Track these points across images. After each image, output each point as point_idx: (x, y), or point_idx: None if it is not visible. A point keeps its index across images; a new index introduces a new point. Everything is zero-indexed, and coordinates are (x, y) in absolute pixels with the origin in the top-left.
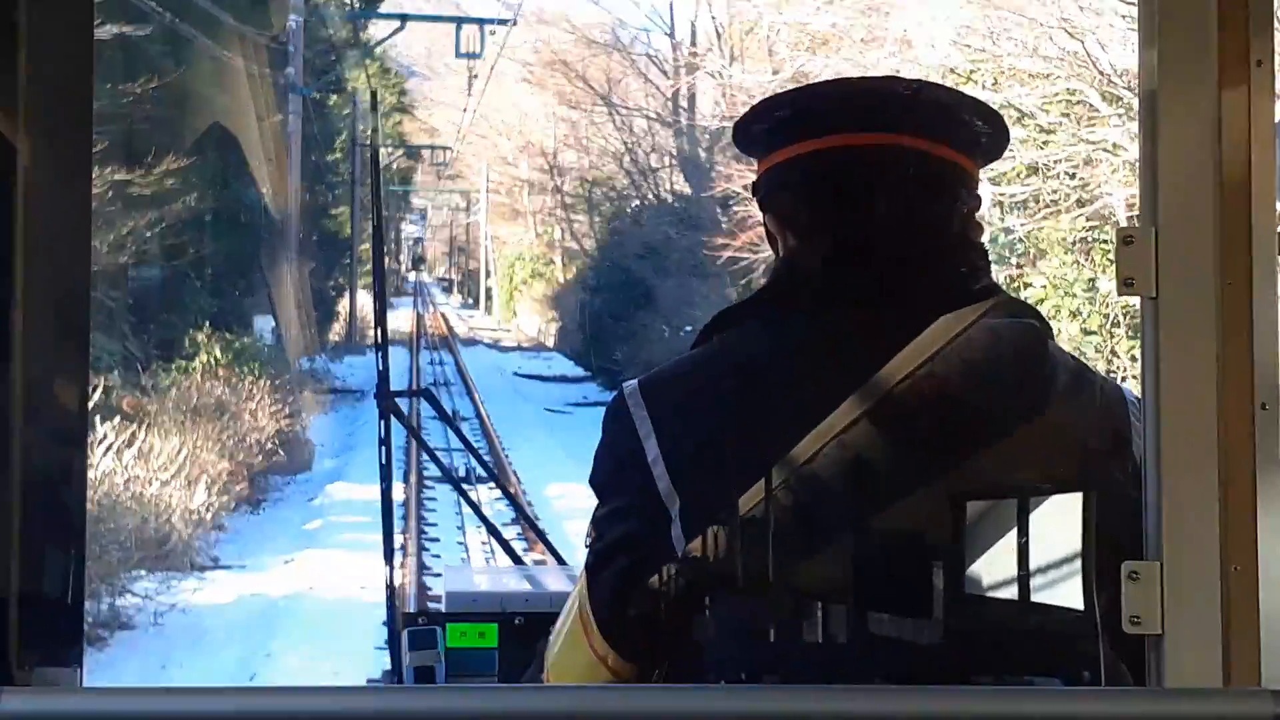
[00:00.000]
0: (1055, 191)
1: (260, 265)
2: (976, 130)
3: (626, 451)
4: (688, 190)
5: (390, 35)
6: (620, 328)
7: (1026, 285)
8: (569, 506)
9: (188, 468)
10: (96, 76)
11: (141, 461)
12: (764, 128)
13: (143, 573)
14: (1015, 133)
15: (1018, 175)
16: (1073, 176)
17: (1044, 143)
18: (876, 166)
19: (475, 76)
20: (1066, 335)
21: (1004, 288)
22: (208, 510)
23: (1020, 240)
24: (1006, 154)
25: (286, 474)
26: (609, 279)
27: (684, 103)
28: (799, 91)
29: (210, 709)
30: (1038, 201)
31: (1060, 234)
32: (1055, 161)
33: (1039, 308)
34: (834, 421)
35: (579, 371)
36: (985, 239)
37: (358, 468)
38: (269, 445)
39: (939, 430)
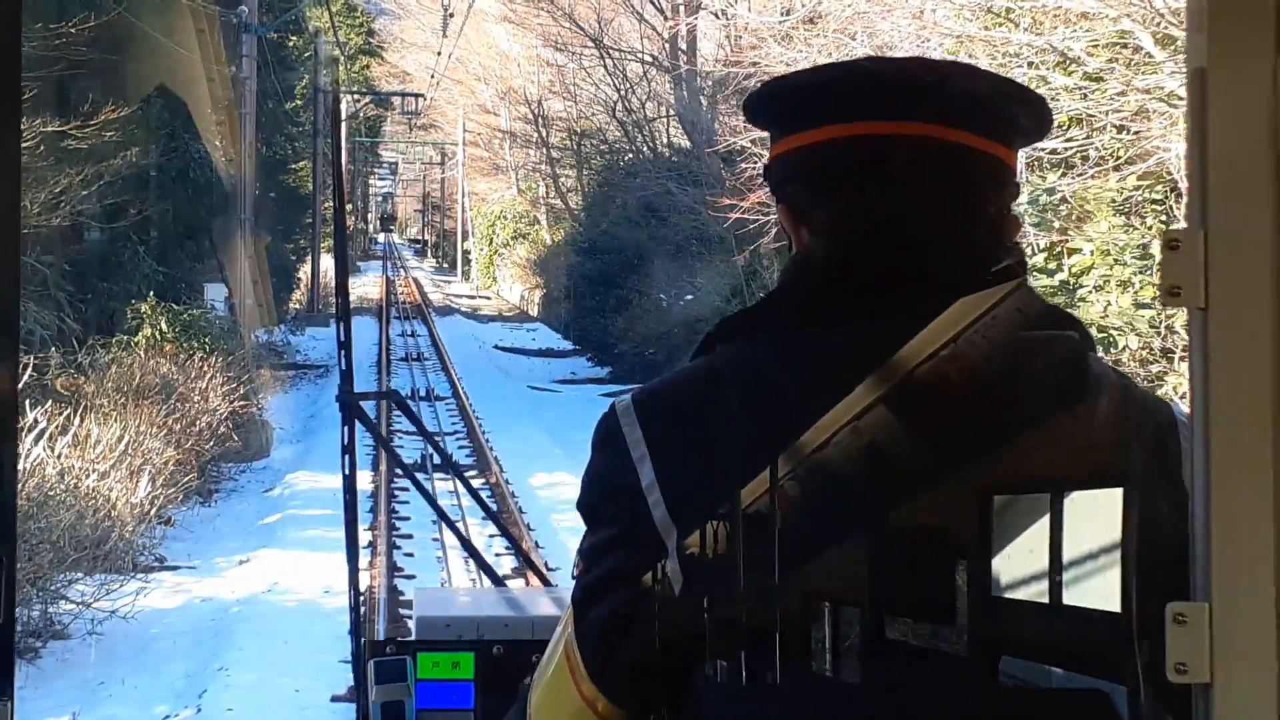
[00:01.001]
0: (1103, 146)
1: (211, 227)
2: (1016, 117)
3: (618, 476)
4: (687, 144)
5: None
6: (613, 296)
7: (1072, 252)
8: (555, 497)
9: (130, 456)
10: (24, 15)
11: (77, 450)
12: (779, 107)
13: (79, 575)
14: (1057, 80)
15: (1060, 128)
16: (1122, 129)
17: (1090, 92)
18: (905, 159)
19: (451, 15)
20: (1117, 309)
21: (1047, 254)
22: (152, 504)
23: (1064, 201)
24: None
25: (241, 461)
26: (600, 242)
27: (683, 45)
28: (819, 70)
29: None
30: (1085, 159)
31: (1109, 193)
32: (1103, 112)
33: (1085, 276)
34: (849, 406)
35: (566, 345)
36: (1020, 235)
37: (320, 453)
38: (221, 430)
39: (962, 422)
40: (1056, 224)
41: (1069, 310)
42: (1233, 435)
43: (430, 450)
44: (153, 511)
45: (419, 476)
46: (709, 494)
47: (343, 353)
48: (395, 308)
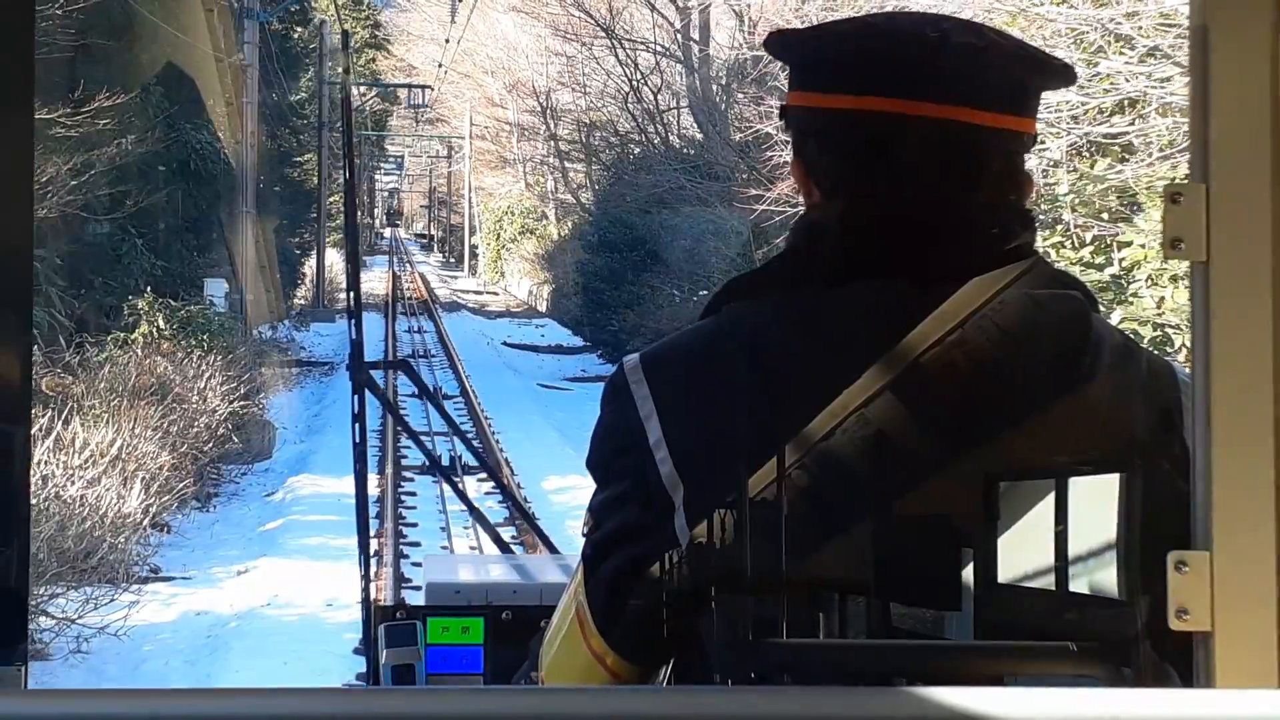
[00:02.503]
0: (1152, 131)
1: (212, 219)
2: (1031, 85)
3: (626, 433)
4: (700, 136)
5: None
6: (624, 292)
7: (1123, 245)
8: (568, 501)
9: (124, 461)
10: None
11: (61, 455)
12: (799, 57)
13: (60, 589)
14: (1106, 64)
15: (1103, 112)
16: (1168, 113)
17: (1143, 74)
18: (916, 136)
19: (456, 12)
20: (1173, 304)
21: (1095, 247)
22: (146, 512)
23: (1114, 191)
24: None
25: (242, 463)
26: (610, 236)
27: (695, 35)
28: (840, 33)
29: (167, 712)
30: (1134, 147)
31: (1162, 182)
32: (1157, 96)
33: (1137, 271)
34: (852, 396)
35: (576, 341)
36: (1031, 197)
37: (325, 455)
38: (221, 431)
39: (969, 404)
40: (1105, 215)
41: (1124, 302)
42: (1234, 385)
43: (435, 447)
44: (146, 521)
45: (423, 441)
46: (715, 451)
47: (353, 322)
48: (401, 303)
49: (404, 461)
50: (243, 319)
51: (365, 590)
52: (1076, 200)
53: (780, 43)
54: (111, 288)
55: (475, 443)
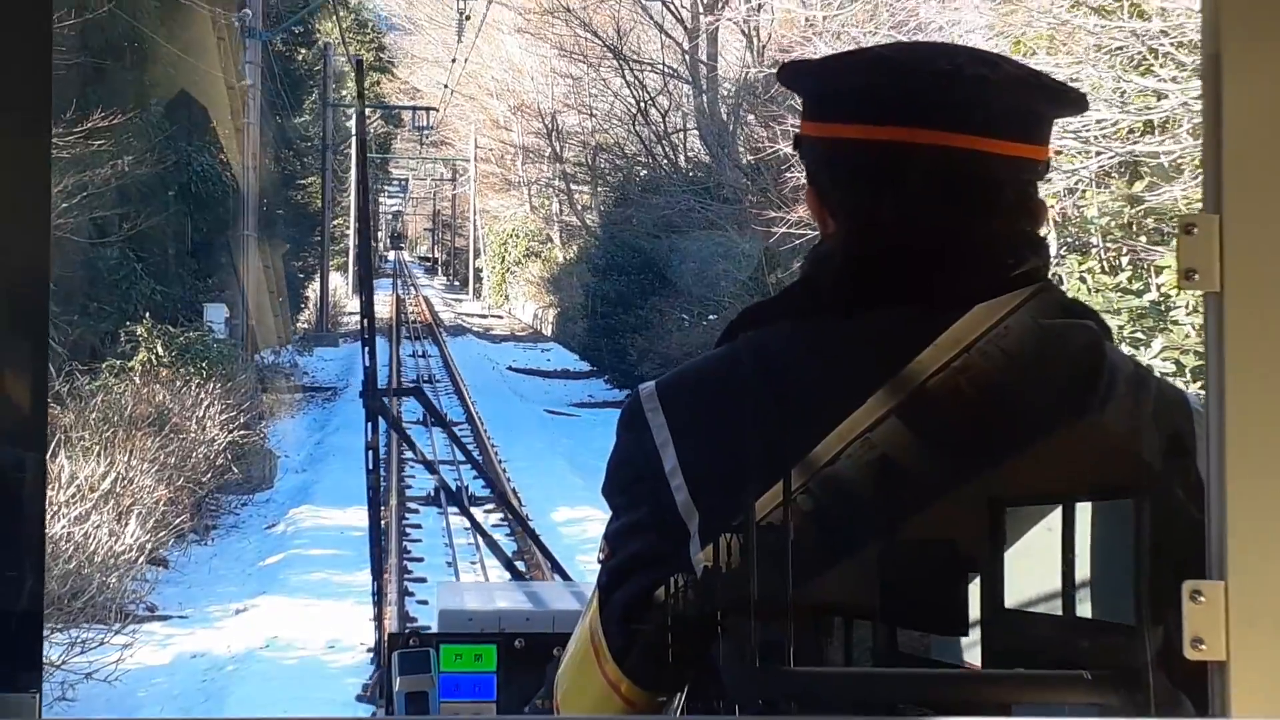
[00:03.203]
0: (1186, 152)
1: (214, 244)
2: (1043, 114)
3: (642, 460)
4: (708, 158)
5: None
6: (633, 316)
7: (1160, 270)
8: (578, 535)
9: (117, 496)
10: None
11: (51, 488)
12: (812, 88)
13: (46, 631)
14: (1140, 81)
15: (1133, 133)
16: (1198, 134)
17: (1177, 92)
18: (939, 169)
19: (468, 17)
20: None
21: (1132, 273)
22: (142, 549)
23: (1152, 214)
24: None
25: (242, 493)
26: (618, 259)
27: (704, 56)
28: (853, 63)
29: None
30: (1166, 169)
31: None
32: (1189, 116)
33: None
34: (857, 421)
35: (583, 366)
36: (1047, 226)
37: (328, 484)
38: (220, 461)
39: (973, 429)
40: (1143, 238)
41: (1164, 330)
42: (1248, 415)
43: (448, 473)
44: (141, 559)
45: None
46: (730, 479)
47: (366, 348)
48: (406, 327)
49: (408, 492)
50: (243, 345)
51: (378, 614)
52: (1113, 223)
53: (793, 73)
54: (108, 313)
55: (482, 472)
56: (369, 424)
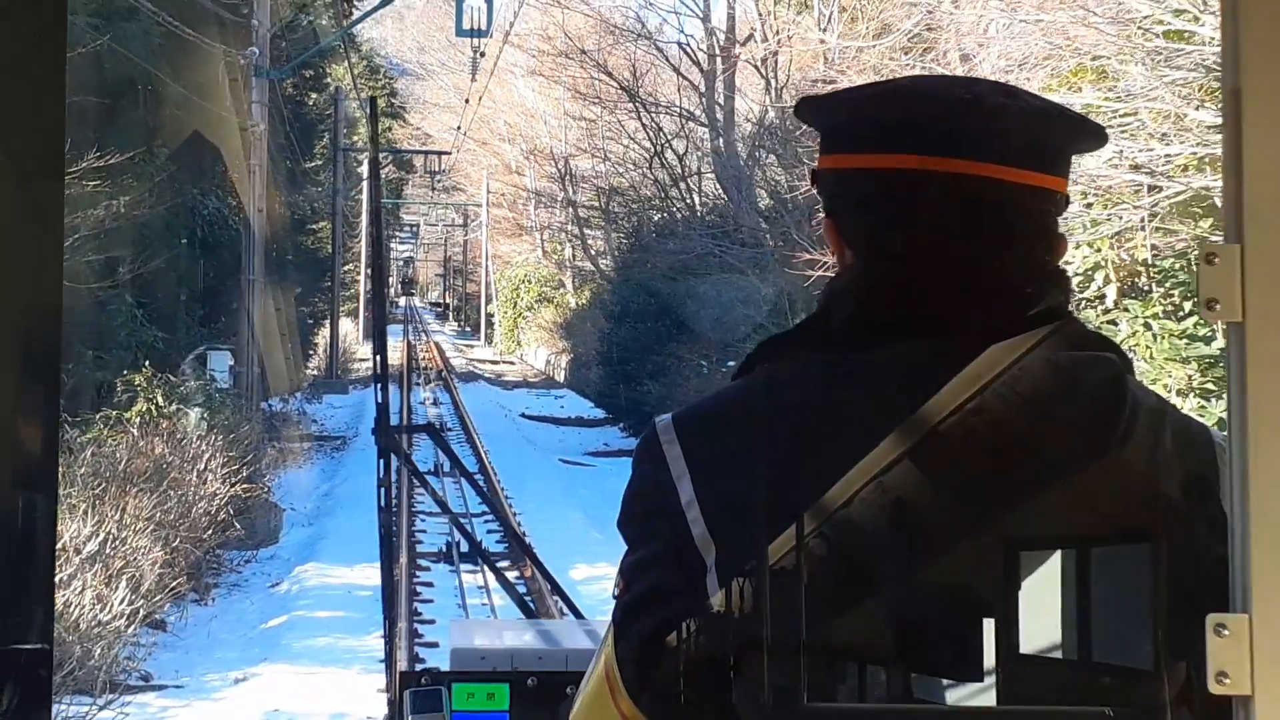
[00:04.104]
0: None
1: (219, 288)
2: (1063, 145)
3: (658, 493)
4: (726, 200)
5: (380, 5)
6: (649, 363)
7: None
8: (598, 593)
9: (105, 559)
10: None
11: None
12: (829, 121)
13: None
14: (1194, 114)
15: (1185, 169)
16: None
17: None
18: (956, 199)
19: (482, 54)
20: None
21: (1198, 318)
22: (133, 616)
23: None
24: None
25: (245, 549)
26: (634, 304)
27: (720, 100)
28: (872, 95)
29: None
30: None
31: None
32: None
33: None
34: (871, 464)
35: (597, 414)
36: (1064, 259)
37: (335, 539)
38: (222, 516)
39: (989, 471)
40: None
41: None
42: (1271, 446)
43: (457, 537)
44: (132, 626)
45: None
46: (747, 511)
47: (379, 385)
48: (417, 373)
49: (419, 548)
50: (248, 393)
51: (389, 653)
52: (1176, 265)
53: (810, 107)
54: (105, 361)
55: (496, 526)
56: (381, 461)
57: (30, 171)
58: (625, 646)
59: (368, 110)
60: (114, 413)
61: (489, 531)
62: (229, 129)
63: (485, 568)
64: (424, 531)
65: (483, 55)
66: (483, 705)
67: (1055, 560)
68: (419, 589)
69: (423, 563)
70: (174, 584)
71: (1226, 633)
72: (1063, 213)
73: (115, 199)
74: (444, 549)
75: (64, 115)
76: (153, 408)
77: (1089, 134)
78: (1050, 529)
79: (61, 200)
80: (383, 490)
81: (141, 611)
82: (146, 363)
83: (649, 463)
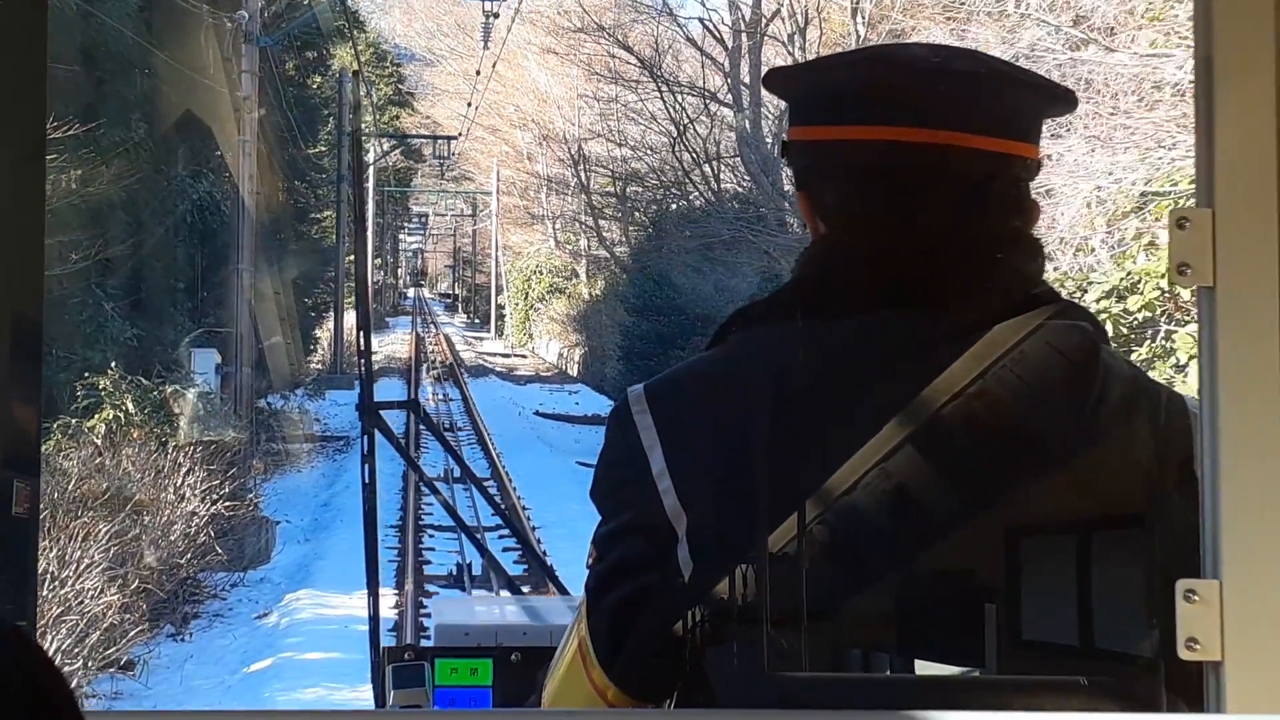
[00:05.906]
0: None
1: (204, 278)
2: (1031, 110)
3: (629, 463)
4: (746, 185)
5: None
6: (672, 355)
7: None
8: None
9: (66, 597)
10: None
11: None
12: (798, 93)
13: None
14: None
15: None
16: None
17: None
18: (926, 167)
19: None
20: None
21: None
22: (93, 659)
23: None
24: None
25: (232, 570)
26: (655, 296)
27: (745, 80)
28: (841, 65)
29: None
30: None
31: None
32: None
33: None
34: (873, 450)
35: None
36: (1038, 227)
37: (333, 559)
38: (202, 538)
39: (989, 456)
40: None
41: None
42: (1241, 410)
43: (469, 557)
44: (94, 663)
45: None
46: (719, 480)
47: (363, 360)
48: (426, 366)
49: (426, 570)
50: (237, 396)
51: (373, 629)
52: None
53: (779, 78)
54: (69, 361)
55: (514, 556)
56: (364, 437)
57: (13, 156)
58: (597, 616)
59: (348, 84)
60: (73, 420)
61: (504, 550)
62: (218, 102)
63: (501, 593)
64: (431, 548)
65: (496, 16)
66: (466, 680)
67: (1050, 538)
68: (423, 620)
69: (430, 587)
70: (134, 632)
71: (1196, 598)
72: (1034, 179)
73: (68, 171)
74: (454, 571)
75: (45, 97)
76: (120, 415)
77: (1059, 99)
78: (1046, 506)
79: (43, 187)
80: (366, 467)
81: (105, 655)
82: (114, 363)
83: (620, 432)
